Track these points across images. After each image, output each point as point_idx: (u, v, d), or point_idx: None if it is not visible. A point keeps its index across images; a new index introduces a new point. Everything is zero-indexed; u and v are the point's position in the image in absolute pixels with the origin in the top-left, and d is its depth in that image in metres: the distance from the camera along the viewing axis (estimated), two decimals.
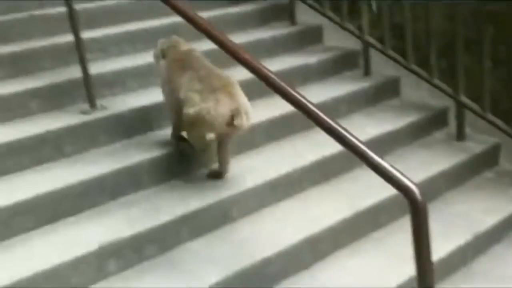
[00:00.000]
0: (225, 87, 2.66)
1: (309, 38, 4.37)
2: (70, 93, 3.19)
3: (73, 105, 3.17)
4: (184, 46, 2.99)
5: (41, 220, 2.55)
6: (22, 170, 2.75)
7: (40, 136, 2.83)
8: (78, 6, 3.13)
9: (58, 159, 2.86)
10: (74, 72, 3.21)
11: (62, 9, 3.24)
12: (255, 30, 4.29)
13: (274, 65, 3.68)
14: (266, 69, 2.35)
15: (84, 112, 3.05)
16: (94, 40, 3.55)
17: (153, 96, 3.24)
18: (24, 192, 2.55)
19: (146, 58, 3.59)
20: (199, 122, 2.62)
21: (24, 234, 2.50)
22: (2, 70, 3.22)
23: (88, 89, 3.10)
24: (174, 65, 2.87)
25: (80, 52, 3.09)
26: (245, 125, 2.64)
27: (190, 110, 2.64)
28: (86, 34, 3.25)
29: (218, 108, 2.59)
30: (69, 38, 3.28)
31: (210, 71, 2.77)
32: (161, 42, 3.07)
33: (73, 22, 3.08)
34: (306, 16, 4.47)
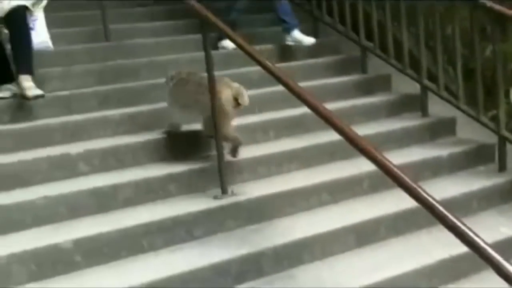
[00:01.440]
0: (222, 83, 3.35)
1: (441, 130, 4.32)
2: (205, 178, 3.40)
3: (206, 189, 3.36)
4: (186, 71, 3.67)
5: None
6: (156, 250, 2.95)
7: (174, 218, 3.03)
8: None
9: (188, 241, 3.03)
10: (209, 159, 3.46)
11: None
12: (385, 121, 4.34)
13: (404, 157, 3.72)
14: (389, 161, 2.37)
15: (216, 197, 3.23)
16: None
17: (283, 184, 3.39)
18: (156, 272, 2.72)
19: (277, 146, 3.78)
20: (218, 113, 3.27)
21: None
22: (147, 156, 3.53)
23: (222, 176, 3.28)
24: (180, 82, 3.59)
25: (218, 140, 3.30)
26: (246, 101, 3.35)
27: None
28: None
29: (222, 97, 3.28)
30: None
31: (201, 77, 3.47)
32: (170, 71, 3.74)
33: (214, 112, 3.28)
34: (439, 108, 4.44)
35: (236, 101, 3.32)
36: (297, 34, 4.87)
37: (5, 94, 3.73)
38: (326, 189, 3.47)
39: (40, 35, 3.77)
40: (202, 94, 3.35)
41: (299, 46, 4.99)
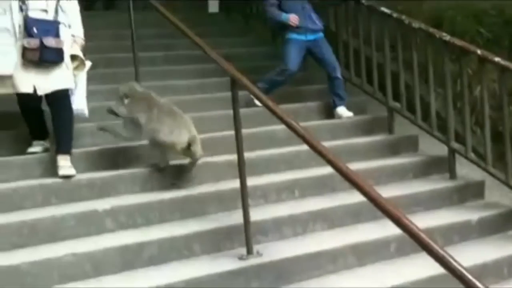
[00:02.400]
0: (185, 124, 3.77)
1: (469, 193, 4.27)
2: (230, 237, 3.39)
3: (231, 249, 3.34)
4: (140, 88, 3.94)
5: None
6: None
7: (199, 278, 2.99)
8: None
9: None
10: (235, 218, 3.45)
11: (231, 157, 3.57)
12: (412, 183, 4.31)
13: (431, 220, 3.68)
14: (414, 225, 2.33)
15: (240, 258, 3.21)
16: (256, 187, 3.78)
17: (308, 245, 3.36)
18: None
19: (303, 206, 3.76)
20: (168, 146, 3.74)
21: None
22: (173, 213, 3.55)
23: (247, 236, 3.26)
24: (141, 103, 3.83)
25: (244, 198, 3.29)
26: (198, 151, 3.71)
27: (162, 138, 3.72)
28: (250, 181, 3.44)
29: (180, 138, 3.68)
30: (233, 184, 3.56)
31: (171, 108, 3.85)
32: (122, 87, 3.90)
33: (241, 170, 3.30)
34: (467, 170, 4.41)
35: (189, 146, 3.68)
36: (339, 110, 4.96)
37: (37, 149, 3.83)
38: (353, 252, 3.42)
39: (78, 102, 3.85)
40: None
41: (325, 105, 5.05)
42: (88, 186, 3.61)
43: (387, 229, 3.41)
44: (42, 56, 3.55)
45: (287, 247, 3.38)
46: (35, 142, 3.85)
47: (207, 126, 4.49)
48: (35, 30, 3.52)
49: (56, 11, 3.69)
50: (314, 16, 5.05)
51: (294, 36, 4.98)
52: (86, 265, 3.01)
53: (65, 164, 3.61)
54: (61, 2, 3.72)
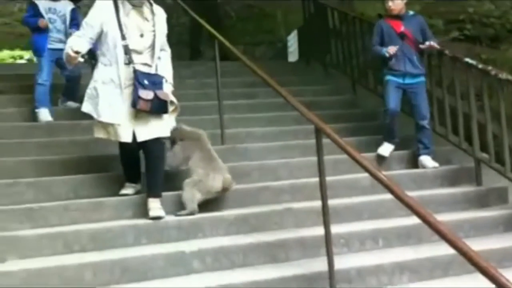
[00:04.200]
0: (221, 170, 4.01)
1: None
2: (313, 284, 3.35)
3: None
4: (188, 128, 4.21)
5: None
6: None
7: None
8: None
9: None
10: (318, 265, 3.43)
11: (312, 203, 3.56)
12: (504, 236, 4.13)
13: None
14: (510, 282, 2.25)
15: None
16: (339, 235, 3.75)
17: None
18: None
19: (388, 256, 3.69)
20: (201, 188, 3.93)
21: None
22: (256, 257, 3.57)
23: (332, 283, 3.24)
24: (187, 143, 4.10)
25: (328, 246, 3.28)
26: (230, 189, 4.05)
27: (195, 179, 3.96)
28: (332, 229, 3.40)
29: (214, 184, 3.94)
30: (314, 231, 3.57)
31: (211, 155, 4.09)
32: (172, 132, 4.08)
33: (325, 217, 3.31)
34: None
35: (223, 189, 3.96)
36: (423, 159, 4.91)
37: (129, 191, 4.00)
38: None
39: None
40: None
41: (410, 154, 5.00)
42: (176, 228, 3.72)
43: (479, 284, 3.29)
44: (153, 107, 3.72)
45: None
46: (127, 184, 4.02)
47: (288, 172, 4.56)
48: (146, 82, 3.70)
49: (157, 64, 3.88)
50: (416, 59, 5.03)
51: (391, 77, 5.01)
52: None
53: (155, 206, 3.74)
54: (161, 53, 3.94)
